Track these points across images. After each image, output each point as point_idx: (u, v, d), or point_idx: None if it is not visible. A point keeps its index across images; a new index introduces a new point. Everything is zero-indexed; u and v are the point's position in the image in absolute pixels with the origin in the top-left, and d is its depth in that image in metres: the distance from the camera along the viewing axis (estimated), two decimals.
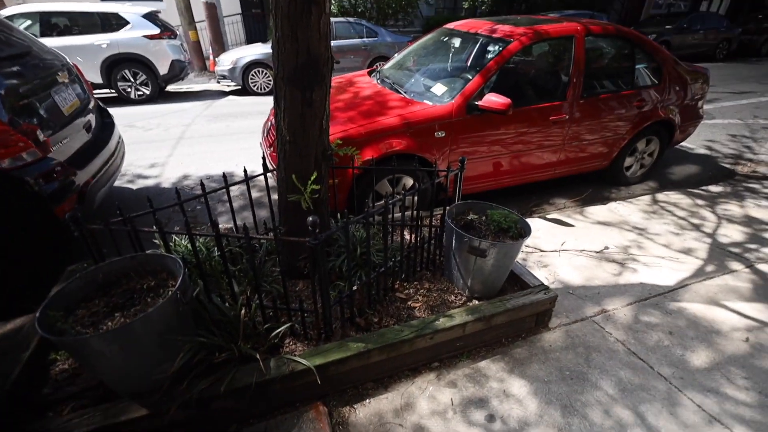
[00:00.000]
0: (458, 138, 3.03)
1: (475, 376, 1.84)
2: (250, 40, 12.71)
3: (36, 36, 5.58)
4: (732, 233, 3.13)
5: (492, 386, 1.80)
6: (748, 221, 3.32)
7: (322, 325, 1.74)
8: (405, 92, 3.27)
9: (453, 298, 2.09)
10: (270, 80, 8.13)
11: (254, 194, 3.70)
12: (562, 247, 2.89)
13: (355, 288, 1.78)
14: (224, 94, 8.40)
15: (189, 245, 2.05)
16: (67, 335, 1.28)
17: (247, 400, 1.53)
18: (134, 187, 4.02)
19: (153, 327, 1.34)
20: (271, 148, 3.16)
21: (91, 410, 1.38)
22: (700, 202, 3.69)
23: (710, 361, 1.95)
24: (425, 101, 3.07)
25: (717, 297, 2.40)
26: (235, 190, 3.84)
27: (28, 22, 6.59)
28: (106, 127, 3.33)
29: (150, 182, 4.10)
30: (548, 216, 3.39)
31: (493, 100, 2.83)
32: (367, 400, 1.72)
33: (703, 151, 5.18)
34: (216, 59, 8.58)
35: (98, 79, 6.91)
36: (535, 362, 1.93)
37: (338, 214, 2.47)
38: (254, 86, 8.09)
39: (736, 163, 4.80)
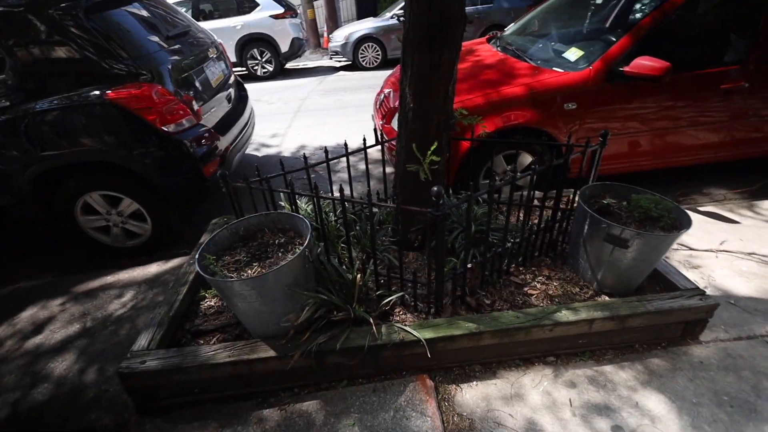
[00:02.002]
0: (591, 111, 2.64)
1: (599, 380, 1.63)
2: (361, 15, 12.96)
3: None
4: None
5: (621, 394, 1.57)
6: None
7: (433, 299, 1.70)
8: (531, 59, 2.94)
9: (577, 290, 1.86)
10: (378, 54, 8.21)
11: (363, 166, 3.80)
12: (721, 247, 2.35)
13: (469, 266, 1.69)
14: (335, 69, 8.78)
15: (309, 209, 2.18)
16: (217, 276, 1.46)
17: (358, 361, 1.59)
18: (259, 154, 4.48)
19: (284, 279, 1.45)
20: (383, 120, 3.17)
21: (232, 344, 1.58)
22: None
23: None
24: (555, 68, 2.72)
25: None
26: (343, 162, 4.01)
27: (184, 8, 7.68)
28: (242, 99, 3.73)
29: (272, 151, 4.52)
30: (700, 208, 2.79)
31: (644, 64, 2.37)
32: (474, 383, 1.65)
33: None
34: (329, 36, 8.96)
35: (233, 58, 7.81)
36: (679, 378, 1.62)
37: (450, 189, 2.38)
38: (363, 61, 8.26)
39: None
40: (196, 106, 2.74)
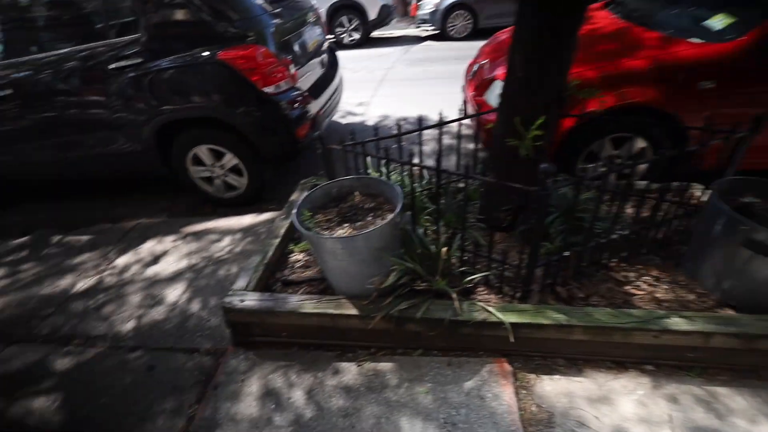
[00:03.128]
0: (734, 91, 2.21)
1: (709, 402, 1.43)
2: None
3: None
4: None
5: (735, 423, 1.36)
6: None
7: (521, 282, 1.62)
8: (660, 28, 2.52)
9: (692, 297, 1.63)
10: (469, 23, 7.75)
11: (447, 141, 3.69)
12: None
13: (568, 253, 1.55)
14: (421, 39, 8.50)
15: (394, 178, 2.17)
16: (311, 232, 1.53)
17: (437, 332, 1.58)
18: (344, 121, 4.56)
19: (373, 242, 1.47)
20: (476, 92, 3.00)
21: (319, 297, 1.67)
22: None
23: None
24: (692, 39, 2.30)
25: None
26: (427, 135, 3.91)
27: None
28: (333, 65, 3.78)
29: (357, 119, 4.58)
30: None
31: None
32: (557, 376, 1.55)
33: None
34: (419, 3, 8.64)
35: None
36: None
37: None
38: (452, 30, 7.88)
39: None
40: (293, 70, 2.84)
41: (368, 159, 2.22)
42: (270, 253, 1.94)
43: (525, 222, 1.86)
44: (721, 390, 1.47)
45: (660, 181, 1.96)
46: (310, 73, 3.22)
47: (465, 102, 3.30)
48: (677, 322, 1.44)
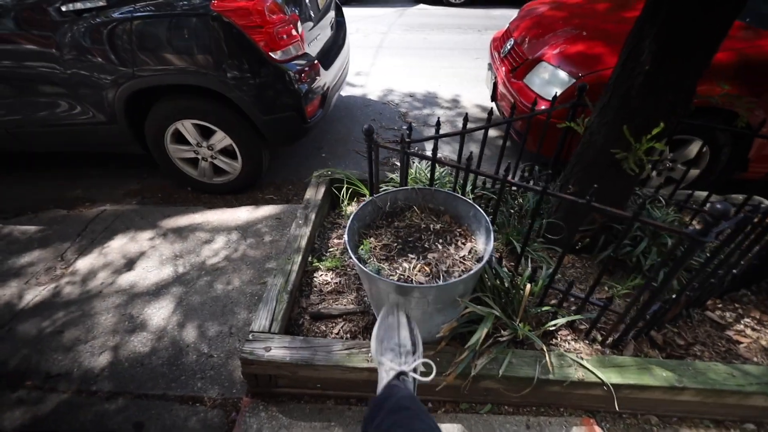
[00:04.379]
0: None
1: None
2: None
3: None
4: None
5: None
6: None
7: (619, 329, 1.33)
8: (742, 17, 2.21)
9: None
10: None
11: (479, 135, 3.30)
12: None
13: (680, 299, 1.27)
14: (415, 2, 7.82)
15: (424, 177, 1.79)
16: (369, 267, 1.14)
17: (517, 390, 1.28)
18: (343, 93, 4.01)
19: (456, 290, 1.11)
20: (513, 73, 2.60)
21: (366, 342, 1.30)
22: None
23: None
24: None
25: None
26: (443, 117, 3.49)
27: None
28: (340, 26, 3.20)
29: (357, 91, 4.04)
30: None
31: None
32: None
33: None
34: None
35: None
36: None
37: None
38: None
39: None
40: (301, 29, 2.29)
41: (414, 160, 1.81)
42: (293, 275, 1.52)
43: (606, 246, 1.57)
44: None
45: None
46: (320, 36, 2.66)
47: (495, 84, 2.92)
48: None
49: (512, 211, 1.82)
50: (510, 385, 1.26)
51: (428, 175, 1.89)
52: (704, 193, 1.97)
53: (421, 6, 7.58)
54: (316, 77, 2.39)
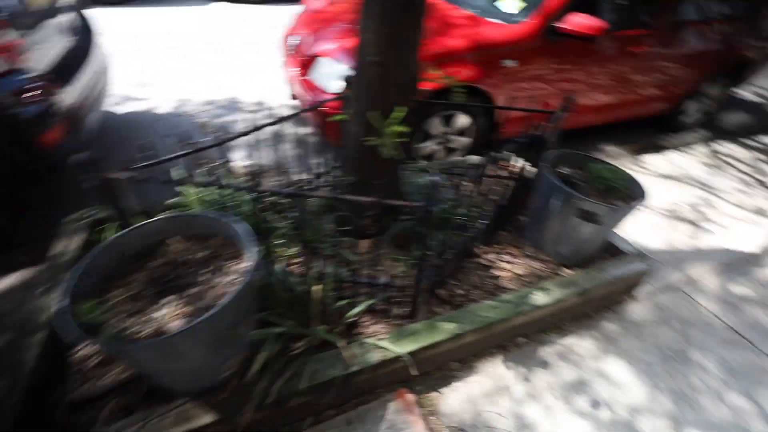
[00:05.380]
0: (530, 69, 2.52)
1: (568, 355, 1.63)
2: None
3: None
4: None
5: (589, 367, 1.60)
6: None
7: (409, 301, 1.44)
8: (471, 8, 2.64)
9: (540, 265, 1.81)
10: None
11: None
12: None
13: (449, 257, 1.45)
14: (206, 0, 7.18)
15: (209, 198, 1.64)
16: (105, 337, 0.92)
17: (330, 394, 1.27)
18: (122, 111, 3.38)
19: (224, 320, 1.00)
20: (298, 70, 2.59)
21: (143, 415, 1.08)
22: (760, 156, 3.41)
23: None
24: (495, 20, 2.49)
25: None
26: (251, 120, 3.28)
27: None
28: (84, 32, 2.63)
29: (143, 105, 3.46)
30: None
31: (581, 22, 2.30)
32: (455, 384, 1.49)
33: (755, 98, 4.78)
34: None
35: None
36: (630, 338, 1.73)
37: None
38: None
39: None
40: (12, 37, 1.77)
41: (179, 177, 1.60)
42: (33, 362, 1.16)
43: (391, 224, 1.68)
44: (572, 340, 1.70)
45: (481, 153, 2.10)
46: (47, 45, 2.12)
47: (291, 82, 2.86)
48: (540, 297, 1.56)
49: (307, 211, 1.80)
50: (320, 391, 1.24)
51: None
52: (475, 157, 2.32)
53: (217, 4, 7.00)
54: (52, 96, 1.89)
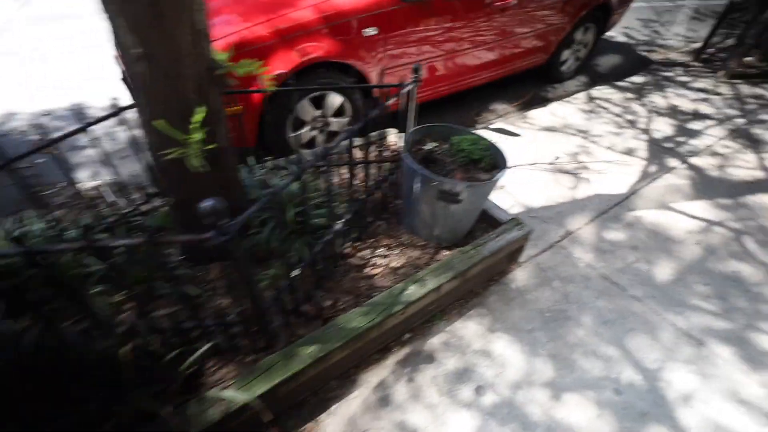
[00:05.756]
0: (393, 36, 2.34)
1: (454, 343, 1.57)
2: None
3: None
4: (662, 127, 3.13)
5: (475, 349, 1.55)
6: (672, 112, 3.35)
7: (259, 333, 1.24)
8: None
9: (418, 252, 1.70)
10: None
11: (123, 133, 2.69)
12: (514, 163, 2.61)
13: (297, 273, 1.26)
14: None
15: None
16: None
17: None
18: None
19: None
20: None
21: None
22: (629, 95, 3.63)
23: (674, 273, 1.93)
24: None
25: (665, 199, 2.38)
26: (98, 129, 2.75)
27: None
28: None
29: None
30: (492, 126, 3.03)
31: None
32: (334, 406, 1.36)
33: (622, 39, 5.10)
34: None
35: None
36: (514, 308, 1.71)
37: (247, 157, 1.80)
38: None
39: (650, 51, 4.82)
40: None
41: None
42: None
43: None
44: (458, 324, 1.63)
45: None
46: None
47: (124, 78, 2.39)
48: (414, 291, 1.45)
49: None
50: None
51: None
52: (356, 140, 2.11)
53: None
54: None
